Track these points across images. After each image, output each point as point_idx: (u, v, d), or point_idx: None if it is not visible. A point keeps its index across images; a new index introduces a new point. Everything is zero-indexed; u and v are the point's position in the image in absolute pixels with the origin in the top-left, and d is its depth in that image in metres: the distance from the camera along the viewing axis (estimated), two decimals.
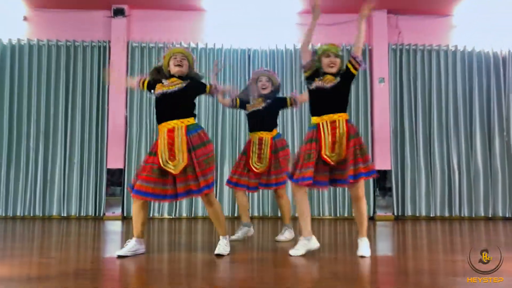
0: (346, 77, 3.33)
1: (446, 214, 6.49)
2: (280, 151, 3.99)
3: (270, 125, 4.06)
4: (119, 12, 6.45)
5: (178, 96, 3.25)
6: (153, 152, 3.22)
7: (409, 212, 6.46)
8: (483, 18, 6.74)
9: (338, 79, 3.33)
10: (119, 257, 3.17)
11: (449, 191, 6.53)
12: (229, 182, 4.09)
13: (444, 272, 2.85)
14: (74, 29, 6.56)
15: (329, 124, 3.25)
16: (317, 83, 3.32)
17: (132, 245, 3.26)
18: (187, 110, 3.29)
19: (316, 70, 3.38)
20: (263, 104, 4.05)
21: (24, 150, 6.35)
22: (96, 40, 6.53)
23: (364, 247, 3.26)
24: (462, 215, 6.48)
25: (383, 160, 6.41)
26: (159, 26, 6.60)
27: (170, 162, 3.14)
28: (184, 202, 6.33)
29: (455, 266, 3.06)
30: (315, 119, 3.33)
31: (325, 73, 3.36)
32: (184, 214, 6.35)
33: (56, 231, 5.13)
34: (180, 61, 3.27)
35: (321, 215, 6.40)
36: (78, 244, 4.14)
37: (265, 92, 4.04)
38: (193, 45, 6.58)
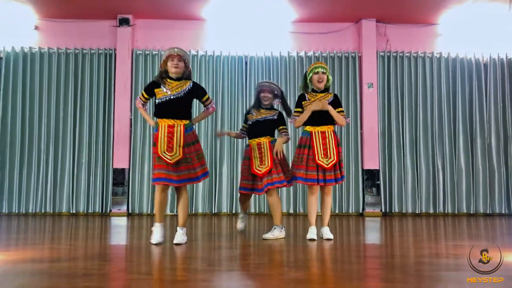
0: (334, 104, 4.10)
1: (431, 210, 6.86)
2: (276, 154, 4.22)
3: (269, 133, 4.29)
4: (124, 22, 6.75)
5: (181, 100, 3.73)
6: (154, 144, 3.76)
7: (396, 209, 6.87)
8: (466, 27, 7.09)
9: (329, 98, 4.10)
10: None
11: (433, 189, 6.90)
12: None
13: (428, 255, 3.34)
14: (81, 37, 6.90)
15: (320, 134, 4.01)
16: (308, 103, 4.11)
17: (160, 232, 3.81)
18: (187, 112, 3.82)
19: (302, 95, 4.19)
20: (266, 116, 4.26)
21: (36, 152, 6.70)
22: (103, 48, 6.86)
23: (328, 232, 4.07)
24: (446, 211, 6.85)
25: (371, 160, 6.84)
26: (162, 34, 6.92)
27: (167, 153, 3.63)
28: None
29: (438, 250, 3.60)
30: (309, 128, 4.11)
31: (314, 90, 4.13)
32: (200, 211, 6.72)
33: (66, 225, 5.43)
34: (177, 63, 3.71)
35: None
36: (86, 236, 4.50)
37: (266, 103, 4.27)
38: (193, 52, 6.89)
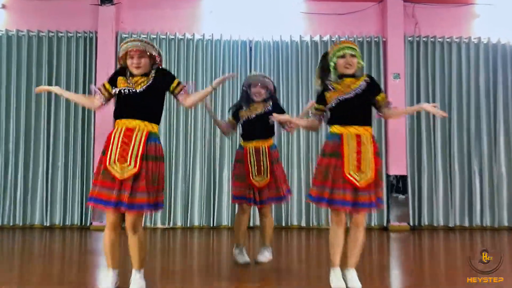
0: (370, 91, 3.19)
1: (466, 223, 6.34)
2: (275, 164, 3.84)
3: (267, 133, 3.88)
4: None
5: (144, 95, 3.01)
6: (103, 151, 2.98)
7: (425, 221, 6.31)
8: (509, 6, 6.55)
9: (360, 84, 3.15)
10: None
11: (469, 198, 6.38)
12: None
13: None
14: (57, 18, 6.38)
15: (354, 138, 3.07)
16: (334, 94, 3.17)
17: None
18: (153, 112, 3.07)
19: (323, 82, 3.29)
20: (260, 111, 3.85)
21: (3, 153, 6.21)
22: (82, 30, 6.35)
23: (356, 278, 3.13)
24: (484, 224, 6.33)
25: (397, 164, 6.27)
26: (152, 14, 6.44)
27: (117, 164, 2.85)
28: (179, 209, 6.16)
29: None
30: (337, 128, 3.12)
31: (342, 76, 3.19)
32: (178, 224, 6.20)
33: (39, 241, 5.17)
34: (138, 61, 3.00)
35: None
36: (62, 255, 4.17)
37: (258, 99, 3.86)
38: (188, 36, 6.39)
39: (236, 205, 4.03)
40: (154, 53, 3.02)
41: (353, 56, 3.13)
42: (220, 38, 6.38)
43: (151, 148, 2.94)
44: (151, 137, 2.96)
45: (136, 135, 2.90)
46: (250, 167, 3.75)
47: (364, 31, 6.49)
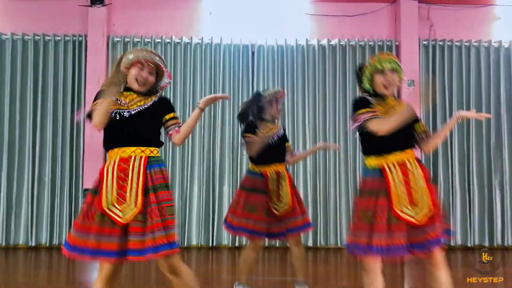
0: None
1: (486, 243, 6.06)
2: (295, 188, 3.59)
3: (284, 156, 3.64)
4: (97, 0, 6.02)
5: (140, 117, 2.59)
6: (94, 189, 2.50)
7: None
8: None
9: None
10: None
11: (489, 215, 6.11)
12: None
13: None
14: (43, 20, 6.18)
15: (398, 167, 2.58)
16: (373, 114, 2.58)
17: None
18: (152, 136, 2.65)
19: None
20: (276, 131, 3.58)
21: None
22: (70, 33, 6.14)
23: None
24: (506, 244, 6.05)
25: None
26: (146, 17, 6.23)
27: (116, 206, 2.43)
28: (175, 227, 5.69)
29: None
30: (375, 160, 2.61)
31: (380, 96, 2.67)
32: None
33: (22, 263, 5.07)
34: (146, 77, 2.59)
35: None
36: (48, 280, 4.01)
37: (278, 116, 3.68)
38: (186, 39, 6.15)
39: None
40: (162, 74, 2.66)
41: (394, 71, 2.62)
42: (220, 42, 6.16)
43: (157, 176, 2.52)
44: (153, 163, 2.54)
45: (133, 166, 2.49)
46: (271, 195, 3.45)
47: (376, 34, 6.28)
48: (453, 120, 2.70)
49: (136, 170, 2.46)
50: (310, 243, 5.91)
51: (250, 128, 3.49)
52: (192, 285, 2.54)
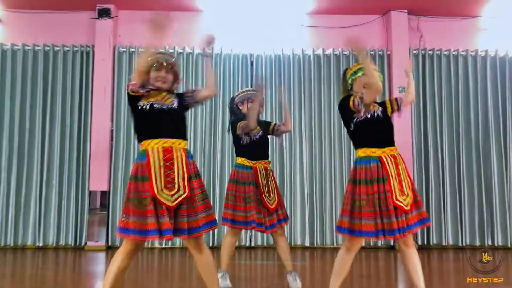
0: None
1: (477, 243, 6.16)
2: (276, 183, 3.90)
3: (267, 153, 3.86)
4: (104, 13, 6.21)
5: (177, 113, 2.86)
6: (139, 177, 2.67)
7: (434, 240, 6.16)
8: None
9: (378, 107, 3.08)
10: None
11: (480, 216, 6.21)
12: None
13: None
14: (53, 32, 6.34)
15: (391, 159, 2.95)
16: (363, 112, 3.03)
17: None
18: (185, 130, 2.93)
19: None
20: (259, 129, 3.81)
21: None
22: (78, 44, 6.30)
23: None
24: (496, 244, 6.15)
25: None
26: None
27: (166, 191, 2.64)
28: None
29: None
30: (375, 151, 2.97)
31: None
32: (177, 243, 6.03)
33: (31, 263, 5.05)
34: (165, 76, 2.85)
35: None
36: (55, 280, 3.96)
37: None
38: (188, 49, 6.34)
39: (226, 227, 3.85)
40: (178, 72, 2.94)
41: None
42: (220, 52, 6.31)
43: (192, 166, 2.79)
44: (189, 154, 2.83)
45: (177, 157, 2.73)
46: (262, 188, 3.62)
47: (368, 44, 6.40)
48: (409, 76, 3.35)
49: (179, 159, 2.70)
50: (307, 243, 6.02)
51: (237, 119, 3.72)
52: (211, 262, 2.81)
